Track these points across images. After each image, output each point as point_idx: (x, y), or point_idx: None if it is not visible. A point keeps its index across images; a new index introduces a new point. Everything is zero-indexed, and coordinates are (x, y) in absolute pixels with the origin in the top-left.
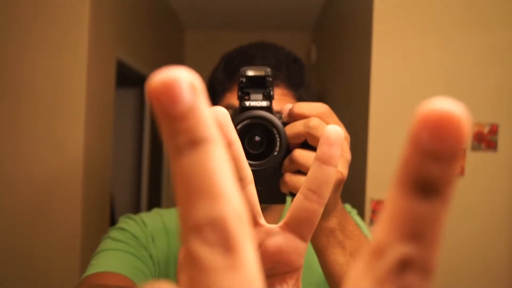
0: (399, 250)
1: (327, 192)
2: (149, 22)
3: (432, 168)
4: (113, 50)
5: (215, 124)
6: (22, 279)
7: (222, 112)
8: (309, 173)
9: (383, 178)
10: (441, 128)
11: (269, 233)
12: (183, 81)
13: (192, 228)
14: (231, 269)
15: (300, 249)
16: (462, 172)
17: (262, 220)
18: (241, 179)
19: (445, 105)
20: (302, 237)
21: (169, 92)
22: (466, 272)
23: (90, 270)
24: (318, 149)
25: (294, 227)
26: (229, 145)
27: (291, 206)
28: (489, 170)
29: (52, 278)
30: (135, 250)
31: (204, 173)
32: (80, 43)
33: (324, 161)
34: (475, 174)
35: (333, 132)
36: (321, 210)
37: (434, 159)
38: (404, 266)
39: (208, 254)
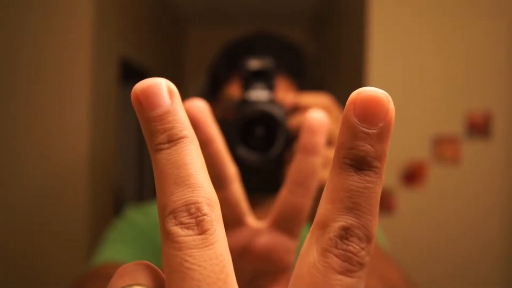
0: (340, 222)
1: (313, 183)
2: (152, 17)
3: (362, 146)
4: (116, 46)
5: (189, 123)
6: (30, 271)
7: (201, 109)
8: (292, 165)
9: None
10: (366, 110)
11: (256, 232)
12: (161, 88)
13: (170, 212)
14: (203, 247)
15: (289, 247)
16: (456, 161)
17: (249, 219)
18: (222, 177)
19: (369, 91)
20: (291, 234)
21: (149, 98)
22: (461, 262)
23: (93, 261)
24: (300, 138)
25: (281, 224)
26: (209, 142)
27: (276, 202)
28: (483, 159)
29: (59, 271)
30: (138, 240)
31: (181, 166)
32: (84, 38)
33: (307, 150)
34: (470, 163)
35: (315, 119)
36: (308, 203)
37: (363, 138)
38: (344, 235)
39: (183, 234)
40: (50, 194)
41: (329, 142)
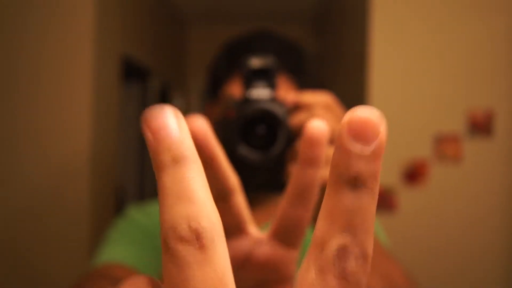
0: (336, 241)
1: (313, 195)
2: (153, 15)
3: (357, 165)
4: (117, 44)
5: (192, 144)
6: (30, 271)
7: (203, 127)
8: (292, 177)
9: (382, 171)
10: (360, 130)
11: (257, 242)
12: (167, 110)
13: (171, 228)
14: (203, 264)
15: (289, 258)
16: (457, 159)
17: (250, 229)
18: (225, 190)
19: (362, 112)
20: (291, 245)
21: (155, 121)
22: (462, 261)
23: (95, 261)
24: (300, 149)
25: (281, 236)
26: (212, 160)
27: (277, 214)
28: (485, 158)
29: (60, 270)
30: (140, 239)
31: (184, 184)
32: (85, 37)
33: (306, 163)
34: (471, 162)
35: (315, 129)
36: (308, 215)
37: (357, 158)
38: (342, 255)
39: (184, 250)
40: (51, 193)
41: (331, 141)
